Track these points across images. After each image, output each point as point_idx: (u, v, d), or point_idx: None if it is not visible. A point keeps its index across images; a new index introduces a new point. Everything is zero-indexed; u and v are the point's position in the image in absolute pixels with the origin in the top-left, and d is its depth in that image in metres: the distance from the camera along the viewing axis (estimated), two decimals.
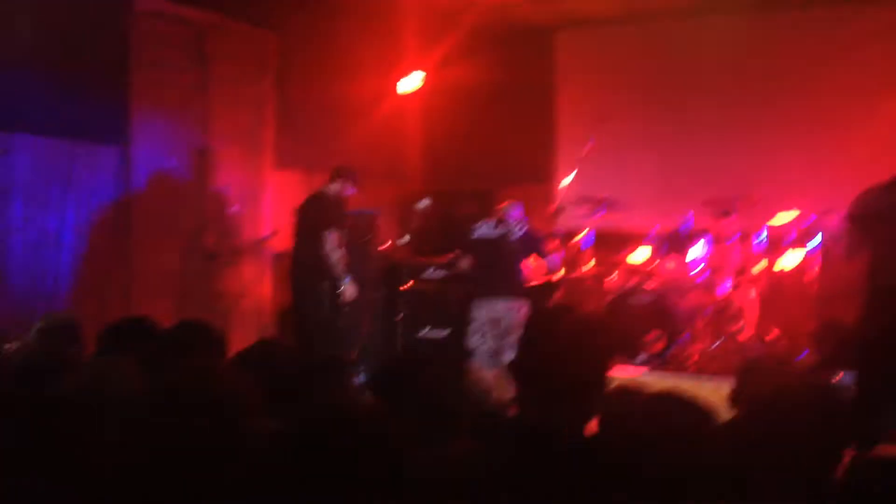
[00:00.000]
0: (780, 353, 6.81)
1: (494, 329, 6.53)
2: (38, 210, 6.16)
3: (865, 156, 7.47)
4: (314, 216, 6.68)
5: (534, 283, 6.99)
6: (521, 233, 6.66)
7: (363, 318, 7.17)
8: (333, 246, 6.50)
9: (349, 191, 6.85)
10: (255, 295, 7.72)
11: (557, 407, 2.46)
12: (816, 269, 6.94)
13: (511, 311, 6.47)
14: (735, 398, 2.49)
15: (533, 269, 7.00)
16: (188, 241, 7.22)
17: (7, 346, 4.17)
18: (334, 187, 6.83)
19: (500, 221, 6.73)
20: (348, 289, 6.56)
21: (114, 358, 2.76)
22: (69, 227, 6.36)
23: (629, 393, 2.43)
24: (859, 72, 8.00)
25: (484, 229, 6.76)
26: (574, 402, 2.47)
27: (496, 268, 6.67)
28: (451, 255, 7.76)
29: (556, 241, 7.36)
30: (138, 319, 3.58)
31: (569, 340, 2.63)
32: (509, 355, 6.15)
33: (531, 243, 6.74)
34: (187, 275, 7.18)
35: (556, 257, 6.99)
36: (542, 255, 6.81)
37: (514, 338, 6.01)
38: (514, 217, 6.71)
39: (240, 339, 3.41)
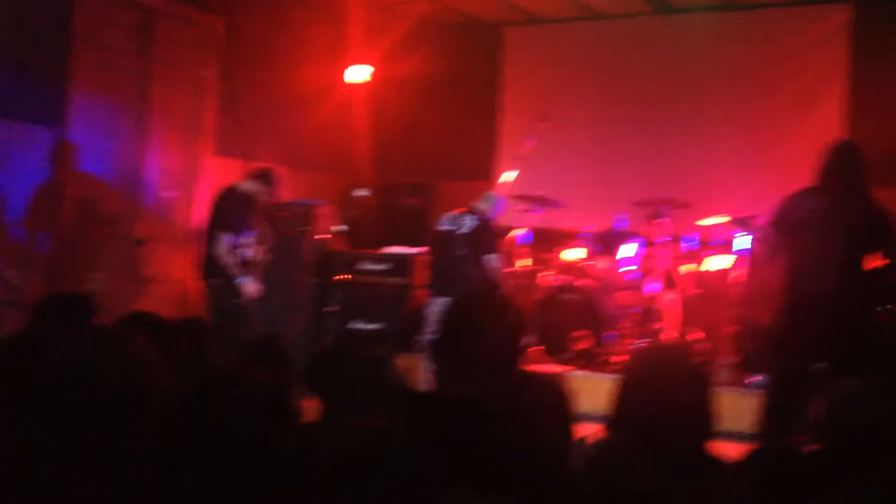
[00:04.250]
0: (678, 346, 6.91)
1: None
2: None
3: (793, 160, 7.64)
4: (217, 211, 6.37)
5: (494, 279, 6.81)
6: (472, 227, 6.60)
7: (293, 307, 7.17)
8: (225, 248, 6.12)
9: (263, 196, 6.43)
10: (181, 281, 7.64)
11: (472, 382, 2.48)
12: (742, 272, 7.07)
13: None
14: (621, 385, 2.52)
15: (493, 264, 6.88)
16: (120, 225, 7.20)
17: None
18: (248, 186, 6.41)
19: (455, 217, 6.72)
20: (246, 286, 6.20)
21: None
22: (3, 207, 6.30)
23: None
24: (792, 77, 8.19)
25: (443, 224, 6.76)
26: (488, 376, 2.54)
27: (446, 264, 6.65)
28: (388, 248, 7.85)
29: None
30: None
31: (481, 320, 2.77)
32: None
33: (486, 239, 6.63)
34: (116, 258, 7.15)
35: (494, 258, 6.74)
36: (490, 251, 6.63)
37: None
38: (496, 207, 6.74)
39: None
